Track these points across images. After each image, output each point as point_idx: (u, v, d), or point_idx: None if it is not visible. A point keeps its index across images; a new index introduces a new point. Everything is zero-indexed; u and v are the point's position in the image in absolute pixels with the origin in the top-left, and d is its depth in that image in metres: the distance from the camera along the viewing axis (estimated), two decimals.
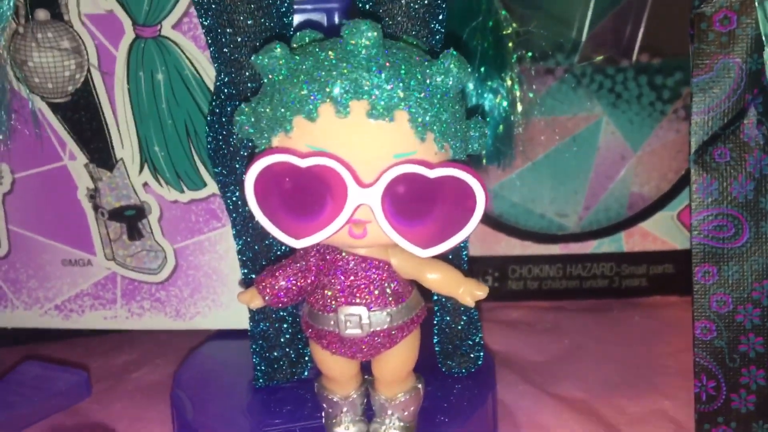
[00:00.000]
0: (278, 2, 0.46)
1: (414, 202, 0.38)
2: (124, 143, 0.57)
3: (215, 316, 0.60)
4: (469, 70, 0.38)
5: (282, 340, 0.52)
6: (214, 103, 0.48)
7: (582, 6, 0.67)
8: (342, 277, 0.42)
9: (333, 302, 0.42)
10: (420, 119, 0.37)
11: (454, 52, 0.38)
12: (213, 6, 0.45)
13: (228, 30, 0.45)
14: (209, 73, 0.55)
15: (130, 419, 0.56)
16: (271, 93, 0.39)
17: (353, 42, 0.37)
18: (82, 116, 0.56)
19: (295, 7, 0.52)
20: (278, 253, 0.51)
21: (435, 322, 0.53)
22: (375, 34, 0.37)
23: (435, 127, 0.38)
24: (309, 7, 0.52)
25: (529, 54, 0.61)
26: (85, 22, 0.54)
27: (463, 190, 0.37)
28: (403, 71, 0.37)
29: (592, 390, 0.59)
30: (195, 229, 0.58)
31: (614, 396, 0.58)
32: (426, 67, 0.38)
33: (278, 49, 0.38)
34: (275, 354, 0.52)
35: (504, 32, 0.55)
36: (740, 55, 0.50)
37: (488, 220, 0.71)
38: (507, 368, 0.62)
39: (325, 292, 0.42)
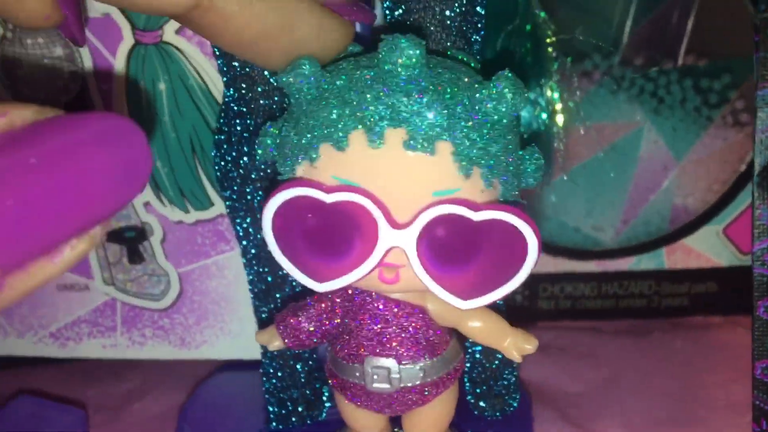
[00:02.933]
0: None
1: (455, 247, 0.33)
2: None
3: (224, 345, 0.55)
4: (527, 94, 0.33)
5: (298, 379, 0.47)
6: (222, 121, 0.43)
7: (623, 3, 0.61)
8: (370, 323, 0.37)
9: (359, 351, 0.37)
10: (466, 152, 0.32)
11: (510, 74, 0.32)
12: None
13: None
14: (216, 83, 0.49)
15: None
16: (297, 116, 0.34)
17: (391, 61, 0.31)
18: None
19: None
20: (294, 284, 0.46)
21: (466, 358, 0.48)
22: (417, 52, 0.31)
23: (483, 162, 0.32)
24: None
25: (570, 59, 0.55)
26: None
27: (513, 235, 0.32)
28: (448, 96, 0.32)
29: (635, 426, 0.54)
30: (201, 252, 0.53)
31: None
32: (475, 91, 0.32)
33: (306, 66, 0.33)
34: (290, 394, 0.47)
35: (543, 36, 0.49)
36: None
37: None
38: (541, 402, 0.57)
39: (351, 339, 0.37)
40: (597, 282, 0.67)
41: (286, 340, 0.39)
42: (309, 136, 0.33)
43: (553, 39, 0.51)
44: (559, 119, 0.54)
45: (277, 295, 0.46)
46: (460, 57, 0.37)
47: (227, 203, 0.45)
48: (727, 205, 0.65)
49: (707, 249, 0.66)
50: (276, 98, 0.41)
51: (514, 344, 0.38)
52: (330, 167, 0.33)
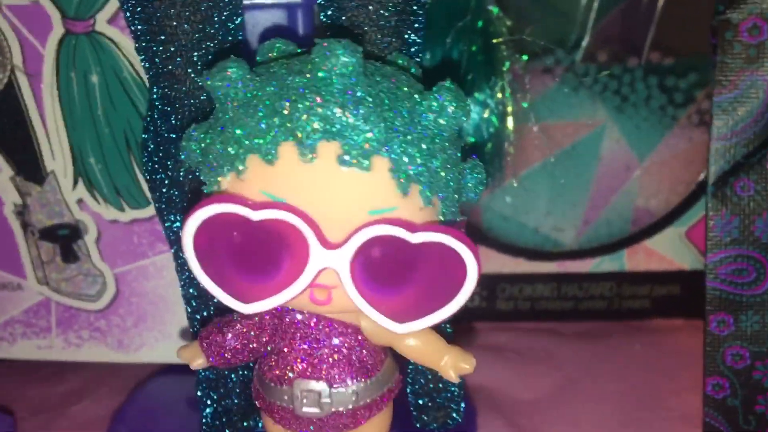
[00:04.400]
0: (221, 3, 0.38)
1: (390, 269, 0.31)
2: (55, 154, 0.49)
3: (163, 348, 0.53)
4: (469, 107, 0.31)
5: (233, 388, 0.45)
6: (148, 119, 0.41)
7: None
8: (300, 344, 0.35)
9: (288, 373, 0.35)
10: (404, 169, 0.30)
11: (451, 85, 0.30)
12: (140, 8, 0.37)
13: (159, 37, 0.37)
14: None
15: None
16: (223, 122, 0.31)
17: (326, 68, 0.29)
18: (6, 123, 0.49)
19: (253, 2, 0.44)
20: None
21: (408, 370, 0.46)
22: (353, 59, 0.29)
23: (422, 179, 0.30)
24: (268, 2, 0.44)
25: (525, 57, 0.53)
26: (6, 14, 0.46)
27: (451, 258, 0.30)
28: (386, 108, 0.29)
29: None
30: (138, 252, 0.51)
31: None
32: (415, 103, 0.30)
33: (234, 69, 0.31)
34: (225, 404, 0.45)
35: (495, 34, 0.47)
36: None
37: (475, 234, 0.63)
38: (490, 410, 0.55)
39: (280, 360, 0.35)
40: (557, 283, 0.65)
41: (210, 358, 0.36)
42: (235, 146, 0.30)
43: (506, 36, 0.48)
44: (510, 121, 0.52)
45: (214, 301, 0.44)
46: (399, 62, 0.35)
47: (155, 204, 0.43)
48: (691, 207, 0.63)
49: (669, 251, 0.65)
50: (202, 98, 0.38)
51: (451, 364, 0.36)
52: (258, 181, 0.31)
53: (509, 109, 0.50)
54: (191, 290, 0.44)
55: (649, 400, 0.56)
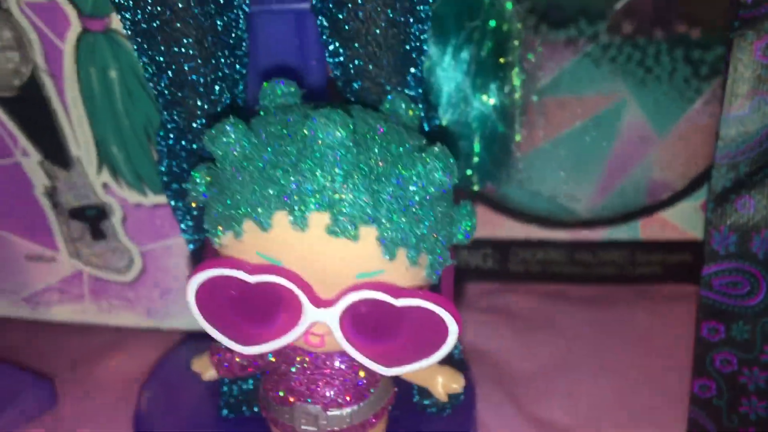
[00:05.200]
0: (230, 28, 0.38)
1: (377, 326, 0.33)
2: (80, 142, 0.51)
3: (190, 317, 0.57)
4: (456, 170, 0.32)
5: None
6: (160, 135, 0.42)
7: None
8: (300, 369, 0.38)
9: (288, 397, 0.38)
10: (390, 237, 0.31)
11: (438, 151, 0.31)
12: (147, 43, 0.38)
13: (168, 73, 0.38)
14: None
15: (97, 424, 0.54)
16: (223, 184, 0.33)
17: (318, 140, 0.31)
18: (32, 112, 0.51)
19: (261, 7, 0.44)
20: None
21: None
22: (344, 133, 0.30)
23: (409, 243, 0.32)
24: (275, 8, 0.44)
25: (536, 51, 0.52)
26: (26, 11, 0.47)
27: (433, 320, 0.32)
28: (374, 178, 0.31)
29: (580, 414, 0.56)
30: (161, 233, 0.54)
31: (602, 424, 0.55)
32: (405, 168, 0.32)
33: (232, 132, 0.32)
34: (240, 385, 0.49)
35: (510, 31, 0.46)
36: None
37: (490, 201, 0.65)
38: (491, 381, 0.58)
39: (281, 383, 0.38)
40: (569, 249, 0.67)
41: (219, 371, 0.40)
42: (233, 210, 0.32)
43: (520, 30, 0.48)
44: (520, 126, 0.52)
45: None
46: (397, 104, 0.36)
47: (171, 203, 0.45)
48: (709, 180, 0.63)
49: (685, 223, 0.65)
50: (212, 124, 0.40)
51: (442, 383, 0.38)
52: (254, 244, 0.33)
53: (519, 94, 0.49)
54: None
55: (647, 376, 0.59)
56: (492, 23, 0.46)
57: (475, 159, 0.48)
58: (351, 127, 0.31)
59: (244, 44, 0.40)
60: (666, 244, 0.66)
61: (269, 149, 0.32)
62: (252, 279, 0.32)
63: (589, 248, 0.67)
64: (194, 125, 0.40)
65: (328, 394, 0.38)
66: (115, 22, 0.47)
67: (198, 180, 0.35)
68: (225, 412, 0.50)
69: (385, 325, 0.33)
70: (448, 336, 0.33)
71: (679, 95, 0.61)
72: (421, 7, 0.36)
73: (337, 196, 0.31)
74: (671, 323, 0.64)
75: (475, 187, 0.52)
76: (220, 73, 0.39)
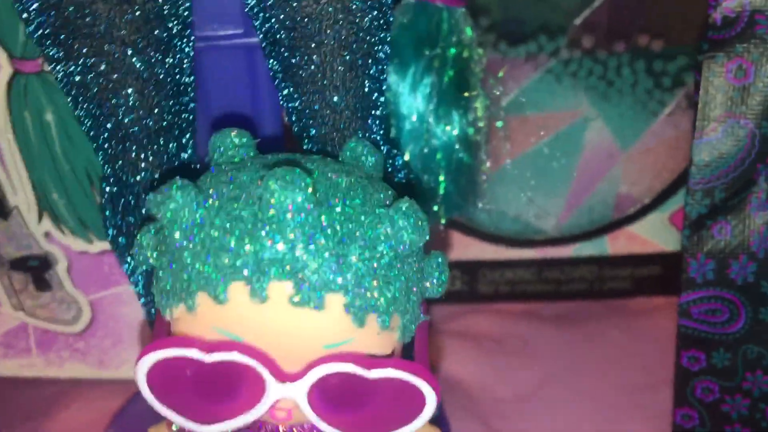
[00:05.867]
0: (174, 73, 0.35)
1: (347, 399, 0.30)
2: (17, 190, 0.48)
3: None
4: (426, 227, 0.30)
5: None
6: (103, 189, 0.39)
7: None
8: None
9: None
10: (358, 304, 0.29)
11: (407, 207, 0.29)
12: (82, 96, 0.35)
13: (106, 126, 0.35)
14: None
15: None
16: (171, 253, 0.30)
17: (275, 204, 0.28)
18: None
19: (212, 43, 0.41)
20: None
21: None
22: (304, 195, 0.28)
23: (379, 309, 0.29)
24: (223, 44, 0.41)
25: (501, 74, 0.50)
26: None
27: (409, 389, 0.30)
28: (338, 240, 0.28)
29: None
30: (110, 280, 0.51)
31: None
32: (370, 228, 0.29)
33: (179, 196, 0.29)
34: None
35: (471, 56, 0.44)
36: (754, 117, 0.41)
37: (456, 224, 0.62)
38: (468, 410, 0.56)
39: None
40: (538, 267, 0.65)
41: None
42: (185, 283, 0.29)
43: (482, 56, 0.46)
44: (485, 156, 0.50)
45: None
46: (360, 150, 0.33)
47: (118, 258, 0.42)
48: (675, 192, 0.62)
49: (652, 235, 0.64)
50: (155, 179, 0.37)
51: None
52: (210, 318, 0.30)
53: (483, 118, 0.48)
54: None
55: (626, 395, 0.57)
56: (452, 51, 0.44)
57: (441, 191, 0.46)
58: (310, 187, 0.28)
59: (190, 89, 0.37)
60: (634, 258, 0.65)
61: (222, 214, 0.29)
62: (208, 358, 0.29)
63: (558, 264, 0.65)
64: (138, 178, 0.37)
65: None
66: None
67: (144, 244, 0.32)
68: None
69: (357, 397, 0.31)
70: (425, 405, 0.30)
71: (642, 108, 0.60)
72: (380, 47, 0.34)
73: (298, 263, 0.28)
74: (644, 337, 0.63)
75: (442, 221, 0.50)
76: (164, 123, 0.36)
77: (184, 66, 0.36)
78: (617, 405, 0.57)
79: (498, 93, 0.50)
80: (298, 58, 0.34)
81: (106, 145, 0.36)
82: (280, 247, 0.28)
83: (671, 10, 0.58)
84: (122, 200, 0.38)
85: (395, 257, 0.30)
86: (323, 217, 0.29)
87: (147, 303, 0.41)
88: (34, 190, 0.48)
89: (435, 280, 0.33)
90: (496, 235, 0.64)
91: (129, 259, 0.41)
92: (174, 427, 0.37)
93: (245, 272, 0.28)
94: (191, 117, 0.37)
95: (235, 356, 0.29)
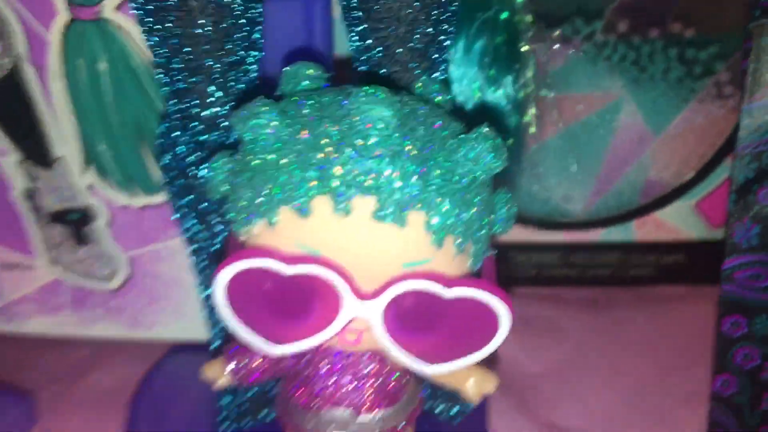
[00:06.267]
0: (248, 9, 0.36)
1: (422, 320, 0.31)
2: (64, 140, 0.48)
3: (178, 326, 0.54)
4: (505, 154, 0.30)
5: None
6: (165, 127, 0.39)
7: None
8: (327, 371, 0.35)
9: (315, 401, 0.35)
10: (439, 223, 0.29)
11: (488, 132, 0.29)
12: (159, 23, 0.35)
13: (181, 56, 0.36)
14: None
15: None
16: (252, 169, 0.30)
17: (362, 120, 0.28)
18: (12, 108, 0.47)
19: None
20: None
21: None
22: (390, 113, 0.28)
23: (457, 231, 0.30)
24: None
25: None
26: None
27: (484, 312, 0.30)
28: (422, 161, 0.29)
29: (594, 418, 0.54)
30: (150, 236, 0.51)
31: (617, 428, 0.53)
32: (451, 151, 0.30)
33: (265, 114, 0.29)
34: (242, 394, 0.46)
35: (520, 23, 0.45)
36: None
37: None
38: (500, 387, 0.56)
39: (306, 387, 0.35)
40: (564, 251, 0.66)
41: (236, 378, 0.37)
42: (267, 196, 0.30)
43: (530, 22, 0.47)
44: (533, 118, 0.50)
45: None
46: (431, 87, 0.34)
47: (174, 202, 0.42)
48: (703, 180, 0.63)
49: (679, 222, 0.65)
50: (222, 115, 0.37)
51: (476, 385, 0.36)
52: (291, 233, 0.30)
53: (530, 89, 0.48)
54: (209, 272, 0.43)
55: (656, 377, 0.57)
56: (504, 14, 0.44)
57: None
58: (397, 104, 0.28)
59: (258, 28, 0.37)
60: (660, 245, 0.66)
61: (307, 130, 0.29)
62: (289, 270, 0.29)
63: (585, 249, 0.65)
64: (204, 114, 0.37)
65: (357, 399, 0.35)
66: (107, 9, 0.44)
67: (219, 167, 0.32)
68: (226, 425, 0.47)
69: (430, 319, 0.31)
70: (498, 328, 0.31)
71: (674, 94, 0.61)
72: None
73: (383, 179, 0.28)
74: (673, 320, 0.63)
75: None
76: (235, 58, 0.36)
77: (256, 2, 0.37)
78: (650, 384, 0.57)
79: (545, 59, 0.51)
80: None
81: (178, 77, 0.36)
82: (366, 162, 0.28)
83: None
84: (184, 137, 0.38)
85: (473, 181, 0.30)
86: (407, 138, 0.29)
87: (198, 244, 0.41)
88: (82, 141, 0.48)
89: (503, 217, 0.33)
90: (525, 217, 0.64)
91: (185, 202, 0.41)
92: (230, 367, 0.37)
93: (330, 185, 0.28)
94: (259, 56, 0.38)
95: (315, 269, 0.29)
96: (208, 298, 0.45)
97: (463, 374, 0.36)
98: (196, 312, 0.53)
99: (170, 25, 0.35)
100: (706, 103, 0.61)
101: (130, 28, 0.44)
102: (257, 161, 0.30)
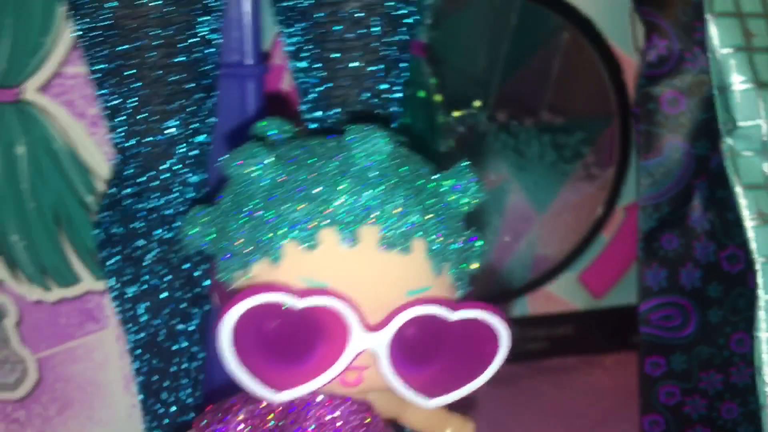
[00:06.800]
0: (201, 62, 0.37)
1: (427, 347, 0.31)
2: None
3: None
4: (484, 187, 0.32)
5: None
6: (114, 184, 0.38)
7: (492, 65, 0.63)
8: (314, 427, 0.34)
9: None
10: (439, 250, 0.30)
11: (466, 166, 0.31)
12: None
13: (130, 105, 0.35)
14: (87, 147, 0.44)
15: None
16: (250, 209, 0.30)
17: (362, 153, 0.29)
18: None
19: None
20: (189, 367, 0.42)
21: None
22: (390, 147, 0.29)
23: (452, 257, 0.31)
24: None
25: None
26: None
27: (485, 333, 0.31)
28: (418, 190, 0.30)
29: None
30: (65, 333, 0.47)
31: None
32: (438, 184, 0.31)
33: (262, 154, 0.30)
34: None
35: (436, 104, 0.49)
36: (688, 139, 0.48)
37: None
38: None
39: None
40: None
41: None
42: (269, 233, 0.29)
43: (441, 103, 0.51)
44: None
45: (170, 383, 0.41)
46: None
47: (111, 280, 0.40)
48: (582, 253, 0.69)
49: (565, 295, 0.70)
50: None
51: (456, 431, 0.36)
52: (295, 268, 0.29)
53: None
54: (151, 376, 0.41)
55: None
56: (420, 93, 0.48)
57: None
58: (389, 139, 0.30)
59: (211, 60, 0.38)
60: (550, 318, 0.70)
61: (304, 167, 0.30)
62: (299, 303, 0.29)
63: None
64: (167, 131, 0.36)
65: None
66: (29, 91, 0.43)
67: (199, 218, 0.31)
68: None
69: (433, 347, 0.31)
70: (498, 348, 0.32)
71: (552, 176, 0.67)
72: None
73: (385, 209, 0.29)
74: (572, 389, 0.66)
75: None
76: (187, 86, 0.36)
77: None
78: None
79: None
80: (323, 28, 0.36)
81: (132, 100, 0.35)
82: (368, 193, 0.29)
83: (569, 87, 0.66)
84: (132, 200, 0.37)
85: (461, 212, 0.32)
86: (403, 172, 0.31)
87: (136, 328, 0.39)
88: None
89: (478, 251, 0.35)
90: None
91: (131, 272, 0.39)
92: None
93: (336, 217, 0.29)
94: (213, 83, 0.38)
95: (328, 300, 0.29)
96: (144, 392, 0.42)
97: (442, 422, 0.37)
98: (114, 418, 0.49)
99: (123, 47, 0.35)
100: (579, 183, 0.68)
101: (53, 111, 0.43)
102: (254, 199, 0.30)
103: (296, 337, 0.30)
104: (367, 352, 0.31)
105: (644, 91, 0.48)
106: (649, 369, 0.49)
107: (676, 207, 0.48)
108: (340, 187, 0.29)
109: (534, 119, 0.66)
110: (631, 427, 0.52)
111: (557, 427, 0.61)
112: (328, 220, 0.29)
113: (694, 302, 0.48)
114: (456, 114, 0.58)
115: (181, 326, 0.41)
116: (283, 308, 0.29)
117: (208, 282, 0.41)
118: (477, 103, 0.60)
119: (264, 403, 0.34)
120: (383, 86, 0.39)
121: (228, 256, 0.31)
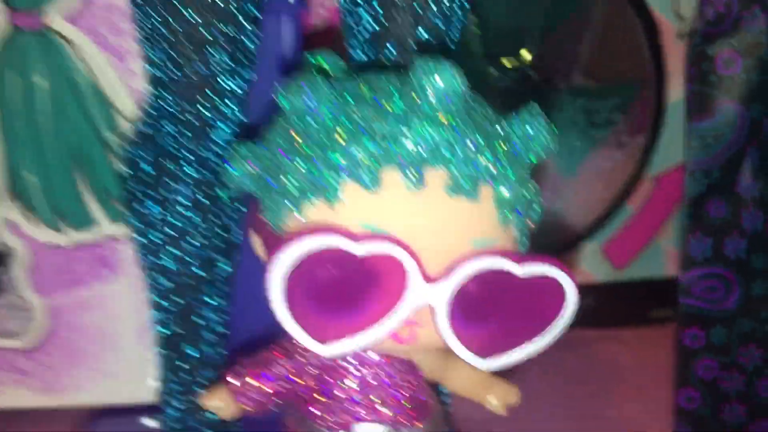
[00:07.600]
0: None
1: (486, 303, 0.29)
2: None
3: (99, 388, 0.47)
4: (556, 135, 0.30)
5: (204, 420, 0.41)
6: (146, 122, 0.35)
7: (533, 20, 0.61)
8: (355, 386, 0.31)
9: (344, 418, 0.31)
10: (508, 198, 0.28)
11: (541, 113, 0.29)
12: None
13: (171, 33, 0.32)
14: (112, 82, 0.41)
15: None
16: (307, 146, 0.28)
17: (430, 89, 0.27)
18: None
19: None
20: (213, 320, 0.39)
21: None
22: (457, 82, 0.27)
23: (520, 207, 0.29)
24: None
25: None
26: None
27: (551, 290, 0.29)
28: (487, 134, 0.28)
29: None
30: (78, 280, 0.45)
31: None
32: (508, 128, 0.29)
33: (325, 87, 0.27)
34: None
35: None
36: (742, 101, 0.46)
37: None
38: None
39: (333, 404, 0.32)
40: None
41: (244, 405, 0.32)
42: (327, 172, 0.27)
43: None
44: None
45: (196, 339, 0.39)
46: None
47: (135, 220, 0.37)
48: (606, 222, 0.67)
49: (587, 266, 0.68)
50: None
51: (500, 397, 0.34)
52: (355, 211, 0.27)
53: None
54: (174, 327, 0.39)
55: (594, 413, 0.58)
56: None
57: None
58: (463, 77, 0.28)
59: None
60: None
61: (366, 103, 0.27)
62: (359, 249, 0.26)
63: None
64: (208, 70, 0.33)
65: (392, 410, 0.32)
66: (54, 19, 0.40)
67: (245, 153, 0.29)
68: None
69: (493, 304, 0.29)
70: (563, 308, 0.29)
71: (580, 142, 0.65)
72: None
73: (455, 151, 0.27)
74: (593, 362, 0.65)
75: None
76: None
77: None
78: (588, 417, 0.58)
79: None
80: None
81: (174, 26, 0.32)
82: (436, 133, 0.27)
83: (604, 51, 0.64)
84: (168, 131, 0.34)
85: (527, 159, 0.30)
86: (473, 113, 0.28)
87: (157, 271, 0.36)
88: (7, 167, 0.42)
89: (538, 204, 0.33)
90: None
91: (157, 211, 0.36)
92: (236, 383, 0.32)
93: (400, 158, 0.27)
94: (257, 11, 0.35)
95: (389, 248, 0.27)
96: (165, 345, 0.40)
97: (486, 387, 0.35)
98: (124, 371, 0.47)
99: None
100: (609, 150, 0.66)
101: (79, 41, 0.40)
102: (311, 136, 0.27)
103: (351, 286, 0.28)
104: (423, 309, 0.28)
105: (699, 50, 0.45)
106: (688, 341, 0.47)
107: (726, 173, 0.46)
108: (406, 127, 0.27)
109: (567, 83, 0.64)
110: (657, 406, 0.52)
111: (578, 399, 0.60)
112: (392, 162, 0.27)
113: (738, 274, 0.46)
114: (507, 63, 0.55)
115: (208, 276, 0.38)
116: (342, 253, 0.27)
117: (239, 230, 0.38)
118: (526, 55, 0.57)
119: (300, 361, 0.32)
120: (439, 22, 0.36)
121: (278, 196, 0.28)
